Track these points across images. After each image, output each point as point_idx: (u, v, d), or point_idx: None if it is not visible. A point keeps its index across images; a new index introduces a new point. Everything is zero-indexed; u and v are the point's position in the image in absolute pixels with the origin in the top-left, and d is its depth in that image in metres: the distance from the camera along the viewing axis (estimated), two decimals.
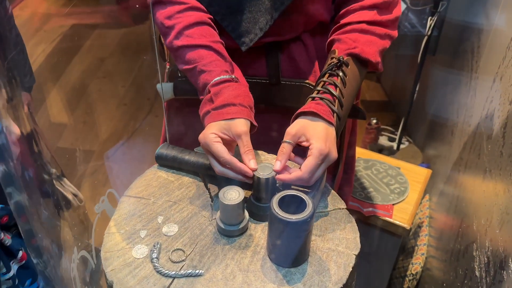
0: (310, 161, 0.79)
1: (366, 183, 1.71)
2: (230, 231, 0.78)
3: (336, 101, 0.86)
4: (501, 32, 1.32)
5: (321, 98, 0.85)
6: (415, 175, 1.75)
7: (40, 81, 1.28)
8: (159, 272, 0.73)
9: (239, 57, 1.01)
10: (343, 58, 0.89)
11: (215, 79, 0.88)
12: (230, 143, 0.85)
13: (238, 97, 0.86)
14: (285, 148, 0.82)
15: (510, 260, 0.91)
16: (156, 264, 0.73)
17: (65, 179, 1.18)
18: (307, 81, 1.04)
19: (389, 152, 2.45)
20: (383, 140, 2.57)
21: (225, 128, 0.83)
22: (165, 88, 1.08)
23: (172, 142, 1.01)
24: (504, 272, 0.92)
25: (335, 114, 0.84)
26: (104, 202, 1.02)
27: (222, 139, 0.83)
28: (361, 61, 0.92)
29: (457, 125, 1.69)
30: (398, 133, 2.43)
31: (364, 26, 0.92)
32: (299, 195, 0.72)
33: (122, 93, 2.64)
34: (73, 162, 1.48)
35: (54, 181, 1.09)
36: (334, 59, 0.90)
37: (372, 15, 0.93)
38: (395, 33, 0.95)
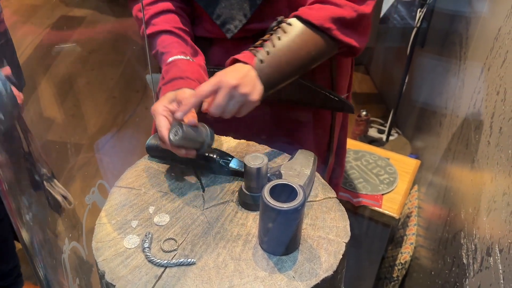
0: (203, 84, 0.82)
1: (355, 174, 1.72)
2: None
3: (262, 49, 0.88)
4: (489, 23, 1.33)
5: (250, 50, 0.88)
6: (404, 165, 1.77)
7: (28, 74, 1.27)
8: (151, 261, 0.73)
9: (227, 49, 1.01)
10: (282, 19, 0.91)
11: (170, 58, 0.90)
12: None
13: (186, 72, 0.87)
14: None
15: (497, 246, 0.92)
16: (148, 254, 0.74)
17: (55, 180, 1.17)
18: None
19: (379, 144, 2.47)
20: (373, 132, 2.59)
21: (172, 99, 0.84)
22: (156, 79, 1.07)
23: None
24: (491, 259, 0.94)
25: (255, 58, 0.86)
26: (94, 193, 1.02)
27: (172, 111, 0.83)
28: (312, 25, 0.90)
29: (445, 116, 1.71)
30: (388, 124, 2.45)
31: None
32: (290, 184, 0.73)
33: (111, 86, 2.63)
34: (63, 155, 1.47)
35: (45, 182, 1.09)
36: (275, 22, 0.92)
37: None
38: (362, 8, 0.93)
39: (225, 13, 0.95)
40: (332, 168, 1.29)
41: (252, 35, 1.00)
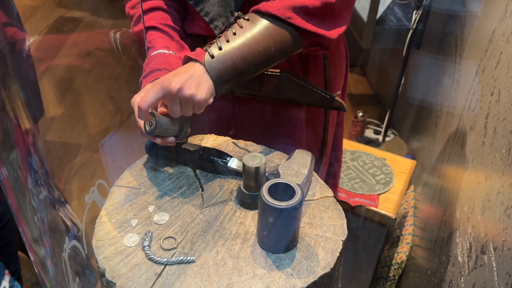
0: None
1: (352, 174, 1.74)
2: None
3: (214, 44, 0.86)
4: (483, 25, 1.35)
5: (205, 46, 0.87)
6: (400, 166, 1.78)
7: None
8: (151, 259, 0.74)
9: None
10: (239, 14, 0.89)
11: (153, 53, 0.92)
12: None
13: (165, 64, 0.89)
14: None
15: (491, 244, 0.94)
16: (148, 252, 0.75)
17: (67, 206, 1.17)
18: (285, 71, 1.02)
19: (375, 144, 2.48)
20: (369, 133, 2.61)
21: None
22: None
23: None
24: (485, 256, 0.96)
25: (206, 53, 0.84)
26: (94, 193, 1.03)
27: None
28: (272, 16, 0.88)
29: (441, 117, 1.73)
30: (384, 125, 2.46)
31: None
32: (288, 183, 0.74)
33: (108, 86, 2.63)
34: (62, 155, 1.47)
35: (57, 205, 1.09)
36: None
37: None
38: None
39: (214, 11, 0.97)
40: (330, 168, 1.30)
41: None
